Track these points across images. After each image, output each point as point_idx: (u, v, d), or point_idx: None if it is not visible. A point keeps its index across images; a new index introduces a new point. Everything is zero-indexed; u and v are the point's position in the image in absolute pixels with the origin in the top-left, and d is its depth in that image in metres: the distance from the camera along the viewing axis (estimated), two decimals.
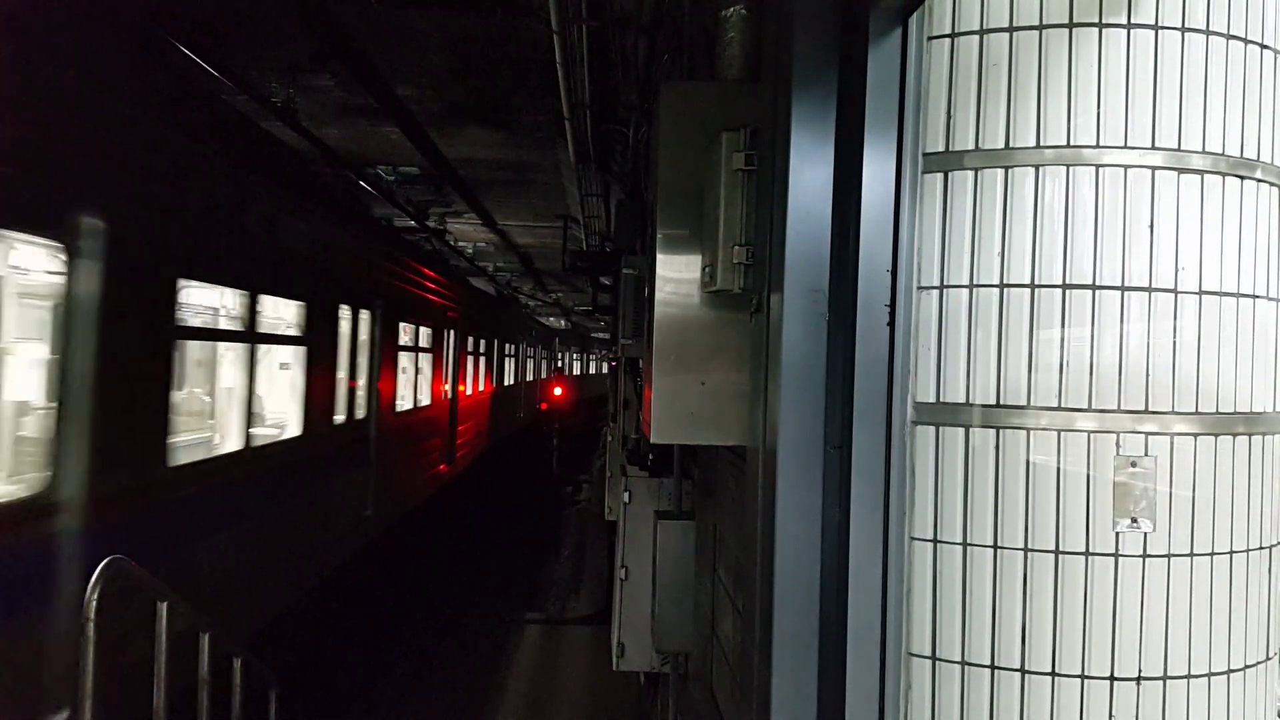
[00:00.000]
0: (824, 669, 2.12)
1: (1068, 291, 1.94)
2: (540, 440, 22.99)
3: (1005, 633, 1.97)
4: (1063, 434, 1.94)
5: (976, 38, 2.02)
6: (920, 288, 2.06)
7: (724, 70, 2.87)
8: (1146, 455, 1.93)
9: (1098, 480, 1.93)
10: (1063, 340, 1.94)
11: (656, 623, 4.32)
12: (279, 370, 7.22)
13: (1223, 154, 1.98)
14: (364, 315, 8.32)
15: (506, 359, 19.42)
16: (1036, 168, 1.97)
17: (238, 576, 5.71)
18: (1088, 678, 1.92)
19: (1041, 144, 1.97)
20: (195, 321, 6.00)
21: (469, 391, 14.40)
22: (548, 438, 22.82)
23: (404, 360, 10.13)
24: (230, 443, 5.99)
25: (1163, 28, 1.96)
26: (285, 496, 6.60)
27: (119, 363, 4.32)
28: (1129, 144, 1.95)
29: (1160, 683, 1.93)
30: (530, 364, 24.66)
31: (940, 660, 2.02)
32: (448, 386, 12.56)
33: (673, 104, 2.77)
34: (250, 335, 5.90)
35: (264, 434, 6.53)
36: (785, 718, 2.12)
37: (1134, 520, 1.92)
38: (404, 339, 10.01)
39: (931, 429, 2.04)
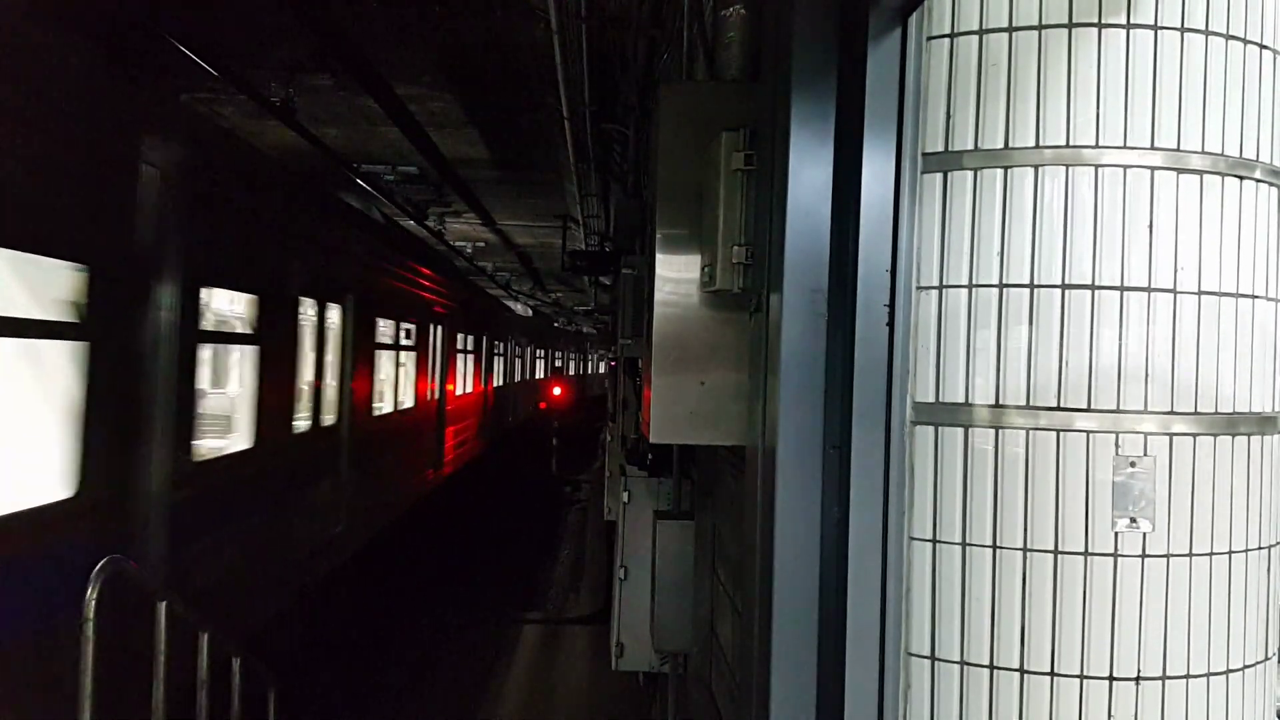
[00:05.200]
0: (823, 669, 2.12)
1: (1067, 291, 1.94)
2: (538, 440, 22.98)
3: (1004, 632, 1.96)
4: (1062, 434, 1.94)
5: (976, 38, 2.02)
6: (919, 288, 2.06)
7: (724, 70, 2.88)
8: (1146, 455, 1.93)
9: (1097, 480, 1.92)
10: (1062, 340, 1.94)
11: (656, 623, 4.33)
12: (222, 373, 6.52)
13: (1222, 154, 1.98)
14: (332, 310, 7.54)
15: (499, 358, 19.20)
16: (1036, 168, 1.97)
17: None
18: (1086, 678, 1.92)
19: (1041, 144, 1.97)
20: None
21: (459, 392, 13.96)
22: (546, 437, 22.81)
23: (383, 360, 9.44)
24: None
25: (1162, 28, 1.96)
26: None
27: None
28: (1128, 144, 1.95)
29: (1159, 683, 1.93)
30: (527, 363, 24.65)
31: (939, 660, 2.02)
32: (435, 386, 11.85)
33: (672, 104, 2.77)
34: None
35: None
36: (785, 718, 2.12)
37: (1133, 520, 1.92)
38: (382, 337, 9.25)
39: (930, 429, 2.04)
